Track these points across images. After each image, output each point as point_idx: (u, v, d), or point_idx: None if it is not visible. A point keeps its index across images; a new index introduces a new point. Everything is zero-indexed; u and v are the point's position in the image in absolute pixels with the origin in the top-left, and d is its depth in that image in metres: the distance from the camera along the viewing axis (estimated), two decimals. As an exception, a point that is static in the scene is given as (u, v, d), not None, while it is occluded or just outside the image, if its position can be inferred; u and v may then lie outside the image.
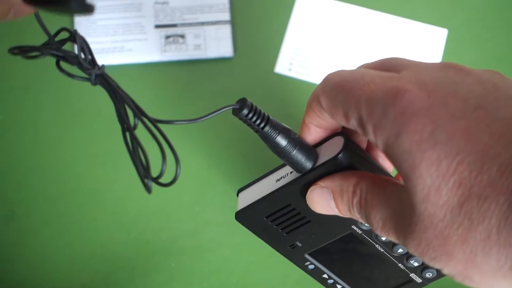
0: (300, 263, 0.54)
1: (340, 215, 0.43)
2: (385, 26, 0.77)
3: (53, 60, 0.40)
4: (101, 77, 0.39)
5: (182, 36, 0.76)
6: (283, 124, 0.43)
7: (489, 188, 0.33)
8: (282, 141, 0.43)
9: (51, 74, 0.75)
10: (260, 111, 0.42)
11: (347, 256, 0.53)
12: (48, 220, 0.71)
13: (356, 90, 0.39)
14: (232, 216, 0.51)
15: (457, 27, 0.77)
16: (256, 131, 0.42)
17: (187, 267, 0.70)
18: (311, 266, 0.54)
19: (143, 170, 0.37)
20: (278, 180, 0.47)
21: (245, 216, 0.49)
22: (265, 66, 0.76)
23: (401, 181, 0.38)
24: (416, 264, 0.51)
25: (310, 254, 0.53)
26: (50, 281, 0.70)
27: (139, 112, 0.38)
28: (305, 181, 0.45)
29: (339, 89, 0.40)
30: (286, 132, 0.43)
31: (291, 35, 0.77)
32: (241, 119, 0.42)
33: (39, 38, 0.42)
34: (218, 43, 0.76)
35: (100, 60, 0.74)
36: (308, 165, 0.44)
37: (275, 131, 0.42)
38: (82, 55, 0.38)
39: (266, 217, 0.49)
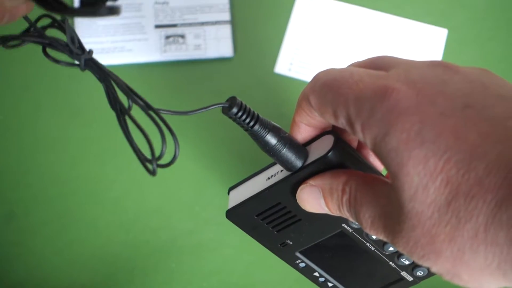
0: (291, 261, 0.54)
1: (330, 213, 0.43)
2: (385, 26, 0.77)
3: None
4: (91, 62, 0.39)
5: (182, 36, 0.76)
6: (273, 123, 0.43)
7: (477, 186, 0.33)
8: (271, 139, 0.43)
9: (50, 74, 0.75)
10: (249, 109, 0.42)
11: (338, 254, 0.52)
12: (48, 220, 0.71)
13: (345, 89, 0.39)
14: (232, 216, 0.51)
15: (457, 27, 0.77)
16: (246, 130, 0.43)
17: (187, 267, 0.70)
18: (302, 264, 0.54)
19: (142, 154, 0.37)
20: (269, 178, 0.47)
21: (235, 215, 0.49)
22: (265, 66, 0.76)
23: (390, 180, 0.38)
24: (407, 262, 0.51)
25: (301, 252, 0.53)
26: (50, 281, 0.70)
27: (132, 93, 0.38)
28: (295, 179, 0.45)
29: (328, 88, 0.40)
30: (275, 131, 0.43)
31: (291, 35, 0.77)
32: (230, 117, 0.42)
33: (20, 26, 0.41)
34: (218, 43, 0.76)
35: (101, 60, 0.74)
36: (298, 163, 0.44)
37: (265, 130, 0.42)
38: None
39: (256, 216, 0.49)
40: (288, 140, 0.43)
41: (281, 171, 0.46)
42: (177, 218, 0.71)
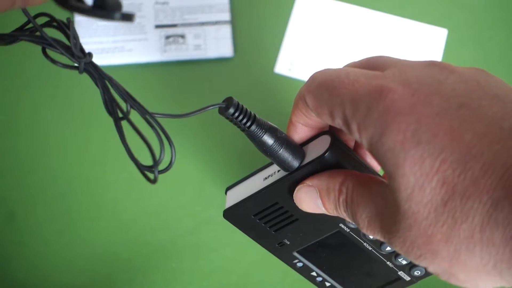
0: (288, 261, 0.54)
1: (327, 213, 0.43)
2: (385, 26, 0.77)
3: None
4: (90, 66, 0.39)
5: (182, 36, 0.76)
6: (270, 123, 0.43)
7: (472, 186, 0.33)
8: (268, 140, 0.43)
9: (50, 74, 0.75)
10: (246, 110, 0.42)
11: (336, 254, 0.53)
12: (48, 220, 0.71)
13: (341, 89, 0.39)
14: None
15: (457, 27, 0.77)
16: (243, 130, 0.43)
17: (187, 267, 0.70)
18: (300, 264, 0.54)
19: (140, 163, 0.38)
20: (266, 178, 0.47)
21: (233, 214, 0.49)
22: (265, 66, 0.76)
23: (387, 180, 0.38)
24: (404, 262, 0.51)
25: (298, 252, 0.53)
26: (50, 281, 0.70)
27: (131, 98, 0.38)
28: (292, 179, 0.45)
29: (324, 88, 0.40)
30: (272, 131, 0.43)
31: (291, 35, 0.77)
32: (227, 118, 0.42)
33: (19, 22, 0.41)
34: (218, 43, 0.76)
35: (101, 60, 0.74)
36: (295, 163, 0.44)
37: (262, 130, 0.42)
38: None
39: (254, 215, 0.49)
40: (285, 141, 0.44)
41: (278, 171, 0.46)
42: (177, 218, 0.71)
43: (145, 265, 0.70)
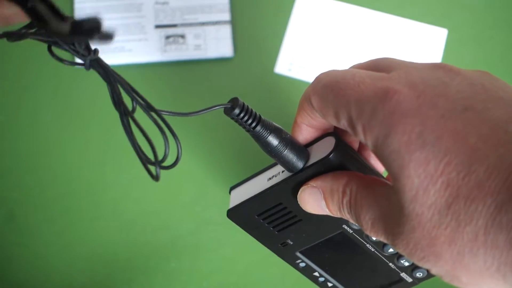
0: (291, 261, 0.54)
1: (331, 215, 0.44)
2: (385, 26, 0.77)
3: (52, 60, 0.40)
4: (96, 63, 0.39)
5: (182, 36, 0.76)
6: (275, 123, 0.43)
7: (477, 189, 0.33)
8: (273, 140, 0.43)
9: (50, 74, 0.75)
10: (251, 110, 0.42)
11: (338, 255, 0.53)
12: (48, 221, 0.71)
13: (346, 91, 0.39)
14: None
15: (457, 27, 0.77)
16: (248, 131, 0.43)
17: (187, 267, 0.70)
18: (302, 264, 0.54)
19: (145, 156, 0.38)
20: (270, 178, 0.47)
21: (236, 214, 0.49)
22: (265, 66, 0.76)
23: (391, 181, 0.38)
24: (406, 263, 0.51)
25: (301, 252, 0.53)
26: (50, 281, 0.70)
27: (136, 95, 0.38)
28: (296, 180, 0.45)
29: (329, 89, 0.40)
30: (277, 132, 0.43)
31: (291, 35, 0.77)
32: (232, 118, 0.42)
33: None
34: (218, 43, 0.76)
35: (100, 60, 0.74)
36: (299, 164, 0.44)
37: (267, 131, 0.42)
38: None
39: (257, 215, 0.49)
40: (289, 141, 0.44)
41: (282, 171, 0.46)
42: (177, 218, 0.71)
43: (145, 265, 0.70)
